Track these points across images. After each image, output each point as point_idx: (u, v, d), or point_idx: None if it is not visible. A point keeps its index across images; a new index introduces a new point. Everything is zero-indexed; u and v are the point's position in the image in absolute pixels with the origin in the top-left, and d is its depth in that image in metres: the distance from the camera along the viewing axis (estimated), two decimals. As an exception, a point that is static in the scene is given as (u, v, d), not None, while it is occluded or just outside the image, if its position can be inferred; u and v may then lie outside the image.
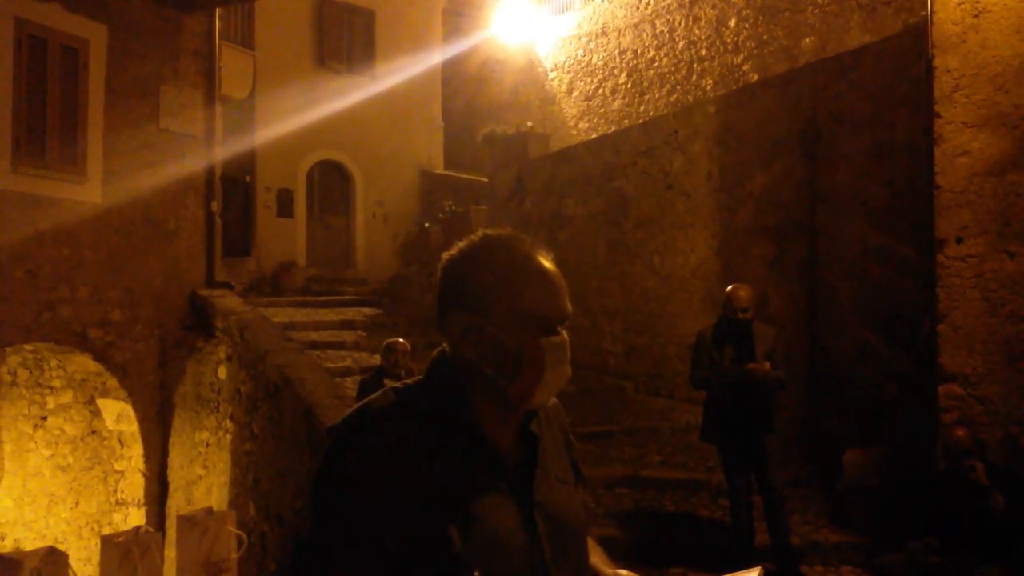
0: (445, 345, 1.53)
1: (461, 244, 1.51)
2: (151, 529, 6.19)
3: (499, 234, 1.51)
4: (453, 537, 1.31)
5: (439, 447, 1.39)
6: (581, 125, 15.36)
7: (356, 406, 1.49)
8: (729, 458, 5.60)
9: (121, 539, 5.40)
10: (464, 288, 1.46)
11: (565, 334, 1.46)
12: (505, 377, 1.43)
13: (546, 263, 1.49)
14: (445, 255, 1.51)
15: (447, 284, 1.50)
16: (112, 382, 8.96)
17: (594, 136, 13.46)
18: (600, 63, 15.07)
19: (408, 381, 1.53)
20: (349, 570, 1.35)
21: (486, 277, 1.45)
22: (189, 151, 9.73)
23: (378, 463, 1.36)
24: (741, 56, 12.39)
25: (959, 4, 5.36)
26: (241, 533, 5.72)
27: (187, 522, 5.65)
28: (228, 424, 8.51)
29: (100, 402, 9.24)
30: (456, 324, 1.46)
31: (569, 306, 1.48)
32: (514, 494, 1.43)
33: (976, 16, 5.31)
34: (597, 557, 1.64)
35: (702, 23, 13.03)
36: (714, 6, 12.82)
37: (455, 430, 1.43)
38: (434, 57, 17.06)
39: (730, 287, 5.66)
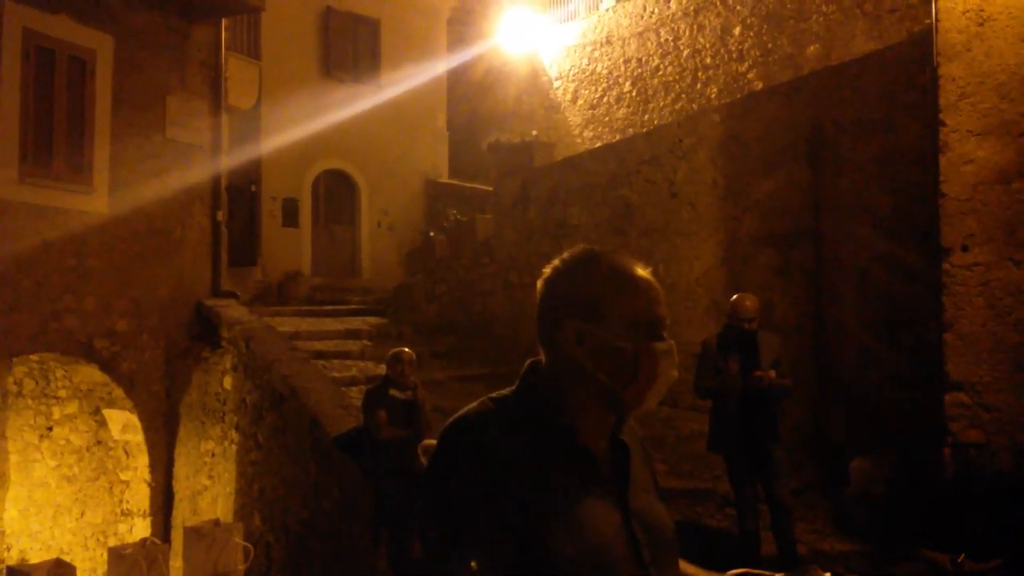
0: (536, 359, 1.59)
1: (564, 257, 1.59)
2: (158, 541, 6.21)
3: (598, 248, 1.61)
4: (561, 539, 1.38)
5: (539, 453, 1.45)
6: (586, 133, 15.37)
7: (456, 415, 1.54)
8: (735, 467, 5.59)
9: (128, 551, 5.41)
10: (576, 297, 1.53)
11: (671, 340, 1.54)
12: (621, 382, 1.50)
13: (646, 273, 1.57)
14: (547, 269, 1.59)
15: (557, 295, 1.56)
16: (118, 392, 8.97)
17: (599, 145, 13.46)
18: (605, 72, 15.10)
19: (504, 392, 1.58)
20: (459, 571, 1.40)
21: (599, 286, 1.53)
22: (195, 161, 9.76)
23: (482, 468, 1.42)
24: (746, 64, 12.40)
25: (964, 12, 5.37)
26: (248, 544, 5.74)
27: (194, 533, 5.66)
28: (233, 434, 8.52)
29: (106, 412, 9.25)
30: (570, 332, 1.51)
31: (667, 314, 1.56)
32: (612, 501, 1.49)
33: (981, 24, 5.31)
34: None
35: (706, 32, 13.05)
36: (718, 15, 12.84)
37: (553, 437, 1.49)
38: (439, 66, 17.09)
39: (735, 296, 5.65)
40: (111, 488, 9.39)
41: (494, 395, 1.57)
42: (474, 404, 1.55)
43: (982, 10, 5.31)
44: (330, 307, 13.00)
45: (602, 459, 1.54)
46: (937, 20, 5.48)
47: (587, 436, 1.52)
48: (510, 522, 1.38)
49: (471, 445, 1.47)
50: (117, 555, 5.53)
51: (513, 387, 1.58)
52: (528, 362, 1.60)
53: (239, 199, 13.49)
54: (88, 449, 9.50)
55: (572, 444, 1.49)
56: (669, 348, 1.53)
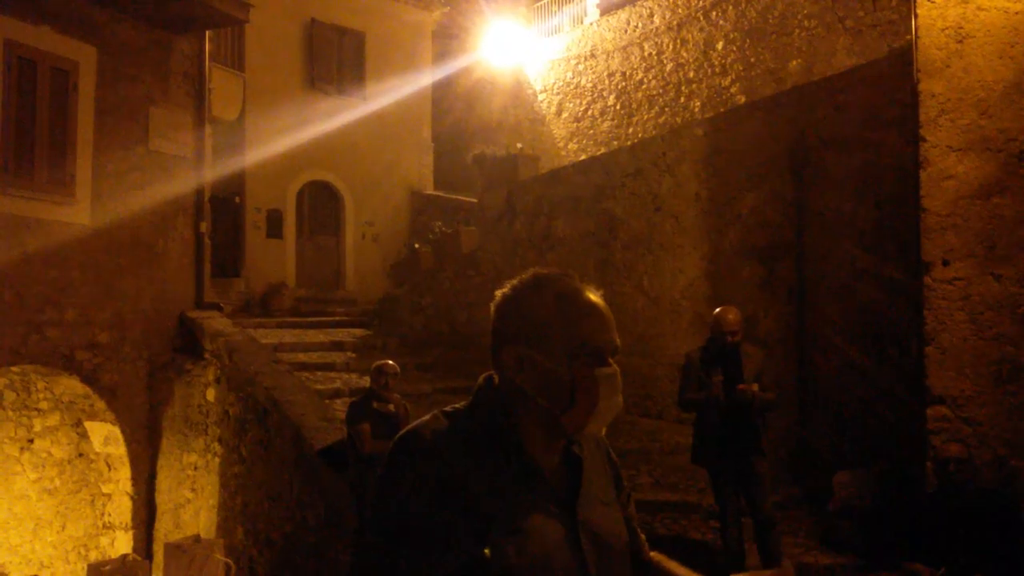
0: (492, 372, 1.60)
1: (513, 282, 1.59)
2: (138, 557, 6.15)
3: (549, 272, 1.60)
4: (507, 551, 1.39)
5: (488, 467, 1.47)
6: (570, 146, 15.42)
7: (407, 428, 1.55)
8: (719, 480, 5.60)
9: (108, 568, 5.36)
10: (519, 323, 1.54)
11: (615, 366, 1.54)
12: (559, 407, 1.51)
13: (594, 298, 1.56)
14: (498, 293, 1.60)
15: (503, 320, 1.57)
16: (100, 404, 8.90)
17: (583, 157, 13.51)
18: (589, 85, 15.16)
19: (458, 405, 1.60)
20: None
21: (540, 312, 1.53)
22: (178, 172, 9.72)
23: (431, 481, 1.44)
24: (729, 78, 12.48)
25: (943, 29, 5.42)
26: (228, 560, 5.69)
27: (175, 550, 5.62)
28: (216, 447, 8.46)
29: (88, 424, 9.18)
30: (511, 357, 1.53)
31: (618, 338, 1.55)
32: (559, 513, 1.51)
33: (960, 41, 5.37)
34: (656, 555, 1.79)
35: (690, 46, 13.13)
36: (702, 29, 12.93)
37: (503, 452, 1.50)
38: (424, 78, 17.12)
39: (718, 310, 5.67)
40: (93, 501, 9.31)
41: (447, 409, 1.59)
42: (426, 417, 1.56)
43: (961, 27, 5.37)
44: (314, 319, 12.97)
45: (552, 472, 1.55)
46: (917, 37, 5.53)
47: (536, 450, 1.53)
48: (456, 532, 1.40)
49: (419, 457, 1.48)
50: (97, 571, 5.47)
51: (467, 401, 1.60)
52: (482, 376, 1.62)
53: (223, 210, 13.43)
54: (69, 462, 9.41)
55: (519, 458, 1.51)
56: (612, 374, 1.52)
